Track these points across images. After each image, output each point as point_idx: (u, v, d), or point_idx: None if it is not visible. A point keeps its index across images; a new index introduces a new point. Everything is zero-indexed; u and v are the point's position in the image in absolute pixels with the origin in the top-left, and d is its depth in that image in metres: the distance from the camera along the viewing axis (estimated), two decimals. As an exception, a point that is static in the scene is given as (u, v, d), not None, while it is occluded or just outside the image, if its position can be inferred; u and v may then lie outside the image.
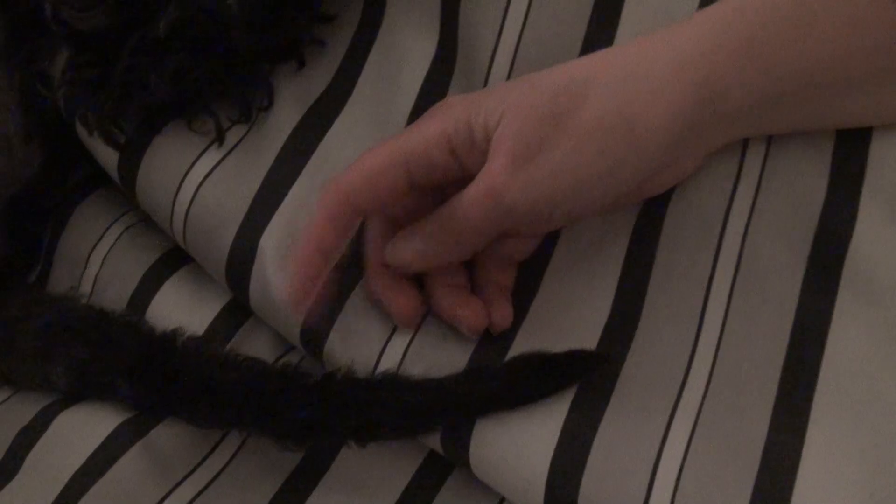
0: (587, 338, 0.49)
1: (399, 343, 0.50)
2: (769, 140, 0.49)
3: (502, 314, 0.50)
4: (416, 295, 0.50)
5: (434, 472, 0.51)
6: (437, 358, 0.50)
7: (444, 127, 0.46)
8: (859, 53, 0.45)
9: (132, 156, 0.56)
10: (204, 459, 0.52)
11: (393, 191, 0.47)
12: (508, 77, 0.52)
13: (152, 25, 0.50)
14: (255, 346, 0.55)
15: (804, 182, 0.48)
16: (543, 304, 0.51)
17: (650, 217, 0.50)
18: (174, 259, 0.59)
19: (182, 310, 0.57)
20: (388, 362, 0.50)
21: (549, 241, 0.51)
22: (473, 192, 0.45)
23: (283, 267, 0.52)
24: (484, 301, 0.50)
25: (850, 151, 0.48)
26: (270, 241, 0.53)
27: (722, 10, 0.46)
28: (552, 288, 0.51)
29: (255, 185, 0.54)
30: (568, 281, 0.51)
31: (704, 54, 0.45)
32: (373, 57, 0.56)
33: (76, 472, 0.50)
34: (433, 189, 0.49)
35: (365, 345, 0.51)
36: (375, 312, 0.51)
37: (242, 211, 0.54)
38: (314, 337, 0.52)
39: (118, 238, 0.59)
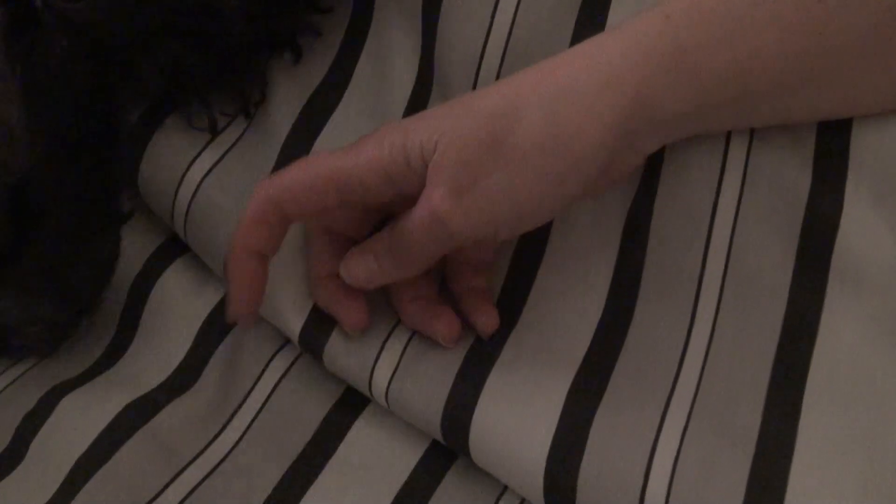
0: (582, 333, 0.49)
1: (397, 344, 0.51)
2: (751, 133, 0.48)
3: (486, 320, 0.50)
4: (363, 303, 0.51)
5: (438, 460, 0.51)
6: (435, 358, 0.50)
7: (380, 154, 0.46)
8: (790, 58, 0.45)
9: (133, 150, 0.56)
10: (209, 444, 0.53)
11: (320, 206, 0.48)
12: (501, 63, 0.51)
13: (144, 16, 0.50)
14: (254, 338, 0.56)
15: (788, 174, 0.48)
16: (537, 302, 0.51)
17: (639, 214, 0.50)
18: (177, 244, 0.59)
19: (184, 295, 0.57)
20: (386, 363, 0.51)
21: (541, 240, 0.51)
22: (417, 217, 0.45)
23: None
24: (466, 309, 0.51)
25: (831, 141, 0.47)
26: None
27: (650, 18, 0.45)
28: (545, 285, 0.51)
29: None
30: (561, 278, 0.51)
31: (634, 66, 0.44)
32: (368, 47, 0.56)
33: (80, 458, 0.51)
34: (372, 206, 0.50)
35: (363, 346, 0.51)
36: (373, 314, 0.52)
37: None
38: (313, 338, 0.52)
39: (124, 221, 0.60)
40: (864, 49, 0.45)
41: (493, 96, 0.46)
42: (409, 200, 0.47)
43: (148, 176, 0.57)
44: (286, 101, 0.56)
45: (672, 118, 0.46)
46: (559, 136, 0.44)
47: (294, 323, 0.53)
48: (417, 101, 0.54)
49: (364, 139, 0.48)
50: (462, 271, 0.51)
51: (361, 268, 0.49)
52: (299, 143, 0.55)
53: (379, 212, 0.52)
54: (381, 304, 0.52)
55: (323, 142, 0.55)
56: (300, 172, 0.48)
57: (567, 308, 0.50)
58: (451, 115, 0.46)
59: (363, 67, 0.56)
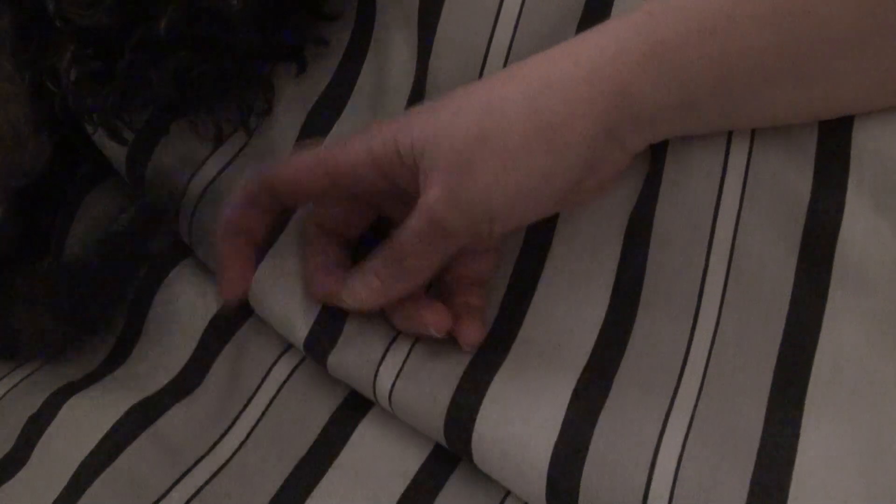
0: (584, 336, 0.49)
1: (401, 347, 0.51)
2: (752, 136, 0.49)
3: (470, 331, 0.50)
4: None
5: (441, 464, 0.51)
6: (439, 362, 0.50)
7: (372, 147, 0.47)
8: (770, 51, 0.45)
9: (139, 156, 0.57)
10: (213, 446, 0.53)
11: (311, 191, 0.49)
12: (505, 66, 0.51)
13: (154, 23, 0.50)
14: (258, 342, 0.56)
15: (789, 176, 0.48)
16: (540, 306, 0.51)
17: (640, 217, 0.50)
18: (181, 247, 0.59)
19: (188, 297, 0.57)
20: (390, 366, 0.51)
21: (544, 244, 0.52)
22: (415, 223, 0.46)
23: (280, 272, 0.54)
24: (456, 322, 0.51)
25: (832, 143, 0.47)
26: (275, 254, 0.54)
27: (633, 15, 0.46)
28: (548, 289, 0.51)
29: None
30: (563, 282, 0.51)
31: (613, 60, 0.45)
32: (371, 54, 0.56)
33: (85, 459, 0.51)
34: (366, 200, 0.51)
35: (367, 349, 0.51)
36: (376, 321, 0.52)
37: None
38: (317, 343, 0.52)
39: (127, 227, 0.60)
40: (847, 41, 0.45)
41: (480, 93, 0.46)
42: (402, 198, 0.48)
43: (153, 181, 0.57)
44: (291, 109, 0.56)
45: (655, 112, 0.46)
46: (543, 129, 0.45)
47: (299, 329, 0.53)
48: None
49: (358, 135, 0.49)
50: (459, 286, 0.52)
51: (364, 288, 0.50)
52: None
53: (373, 209, 0.53)
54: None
55: None
56: (299, 160, 0.49)
57: (569, 312, 0.50)
58: (441, 113, 0.46)
59: (366, 75, 0.56)
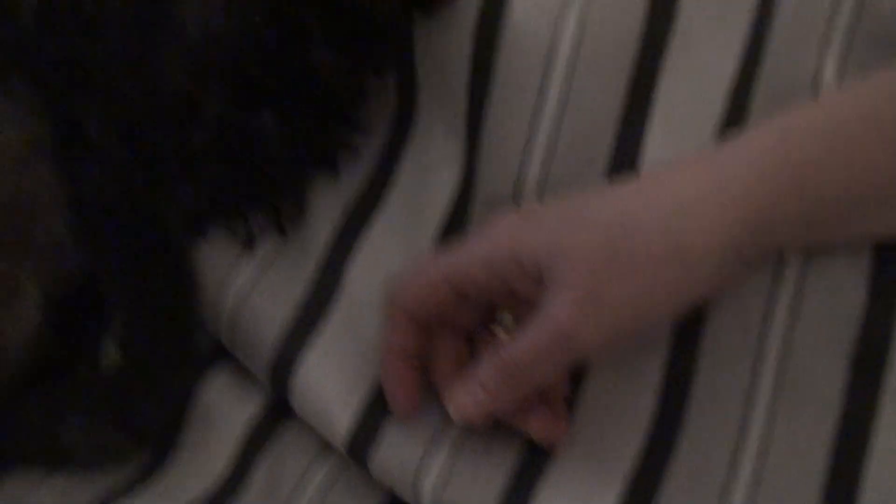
0: (630, 443, 0.49)
1: (441, 451, 0.51)
2: (806, 249, 0.49)
3: (556, 430, 0.50)
4: (416, 395, 0.51)
5: None
6: (485, 460, 0.50)
7: (490, 254, 0.48)
8: None
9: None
10: None
11: (443, 303, 0.50)
12: (542, 184, 0.52)
13: (188, 137, 0.51)
14: (297, 444, 0.56)
15: (843, 291, 0.48)
16: (590, 400, 0.51)
17: (689, 321, 0.50)
18: (220, 349, 0.59)
19: (227, 397, 0.57)
20: (432, 473, 0.50)
21: None
22: (536, 335, 0.46)
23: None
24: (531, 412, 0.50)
25: (887, 259, 0.48)
26: (316, 349, 0.54)
27: (765, 135, 0.47)
28: (593, 393, 0.51)
29: (301, 291, 0.55)
30: (610, 387, 0.51)
31: (751, 187, 0.46)
32: (408, 153, 0.57)
33: None
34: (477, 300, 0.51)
35: (406, 456, 0.51)
36: (416, 427, 0.52)
37: (286, 322, 0.55)
38: (358, 446, 0.52)
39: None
40: None
41: (608, 209, 0.47)
42: (513, 296, 0.48)
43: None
44: (326, 209, 0.57)
45: (783, 231, 0.47)
46: (677, 248, 0.46)
47: (340, 422, 0.53)
48: (458, 208, 0.55)
49: (474, 238, 0.50)
50: None
51: (469, 399, 0.49)
52: (338, 253, 0.56)
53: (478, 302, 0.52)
54: (428, 403, 0.52)
55: (361, 252, 0.56)
56: (418, 277, 0.50)
57: (618, 409, 0.50)
58: (568, 227, 0.47)
59: (403, 174, 0.56)
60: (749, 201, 0.46)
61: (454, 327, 0.52)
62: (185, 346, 0.56)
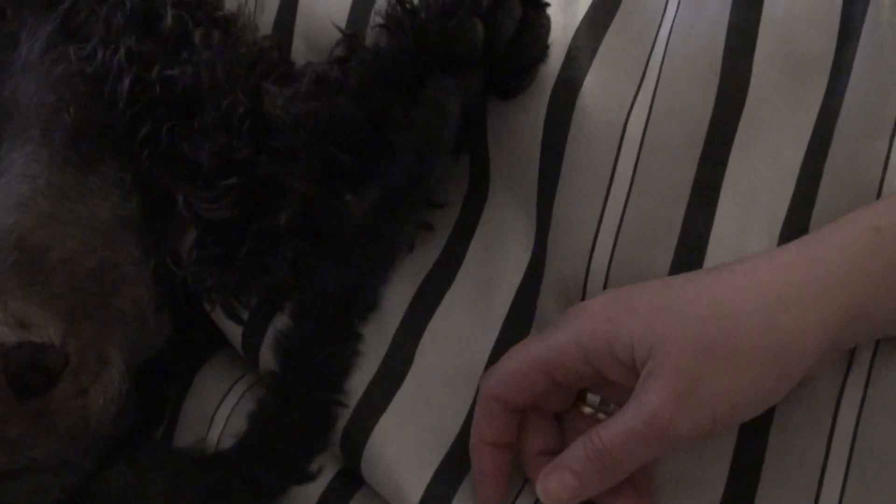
0: None
1: None
2: None
3: None
4: (506, 485, 0.52)
5: None
6: None
7: (580, 340, 0.49)
8: None
9: (254, 332, 0.59)
10: None
11: (535, 389, 0.50)
12: (611, 266, 0.53)
13: (273, 216, 0.53)
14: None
15: None
16: (658, 486, 0.51)
17: None
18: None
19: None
20: None
21: None
22: (632, 424, 0.47)
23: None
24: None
25: None
26: (388, 421, 0.55)
27: (859, 230, 0.47)
28: (666, 467, 0.51)
29: (375, 366, 0.57)
30: (680, 461, 0.51)
31: (847, 279, 0.46)
32: (480, 232, 0.58)
33: None
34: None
35: None
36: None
37: (359, 394, 0.56)
38: None
39: (240, 398, 0.61)
40: None
41: (704, 300, 0.47)
42: (604, 380, 0.49)
43: (268, 357, 0.59)
44: (399, 286, 0.58)
45: (878, 324, 0.47)
46: (777, 341, 0.46)
47: (411, 492, 0.53)
48: (528, 288, 0.56)
49: (564, 323, 0.50)
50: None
51: (559, 486, 0.49)
52: (411, 329, 0.57)
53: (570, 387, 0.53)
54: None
55: (432, 328, 0.57)
56: (511, 363, 0.51)
57: (686, 495, 0.51)
58: (662, 318, 0.48)
59: (474, 253, 0.58)
60: (846, 292, 0.46)
61: (543, 409, 0.53)
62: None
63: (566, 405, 0.53)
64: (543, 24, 0.54)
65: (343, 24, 0.58)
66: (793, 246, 0.49)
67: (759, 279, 0.47)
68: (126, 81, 0.54)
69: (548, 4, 0.55)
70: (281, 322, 0.56)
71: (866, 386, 0.49)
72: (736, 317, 0.46)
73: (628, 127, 0.53)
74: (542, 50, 0.54)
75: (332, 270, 0.52)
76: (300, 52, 0.59)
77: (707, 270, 0.50)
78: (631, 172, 0.53)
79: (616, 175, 0.53)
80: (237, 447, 0.53)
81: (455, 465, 0.54)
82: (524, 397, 0.51)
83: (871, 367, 0.49)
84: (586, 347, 0.49)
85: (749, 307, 0.46)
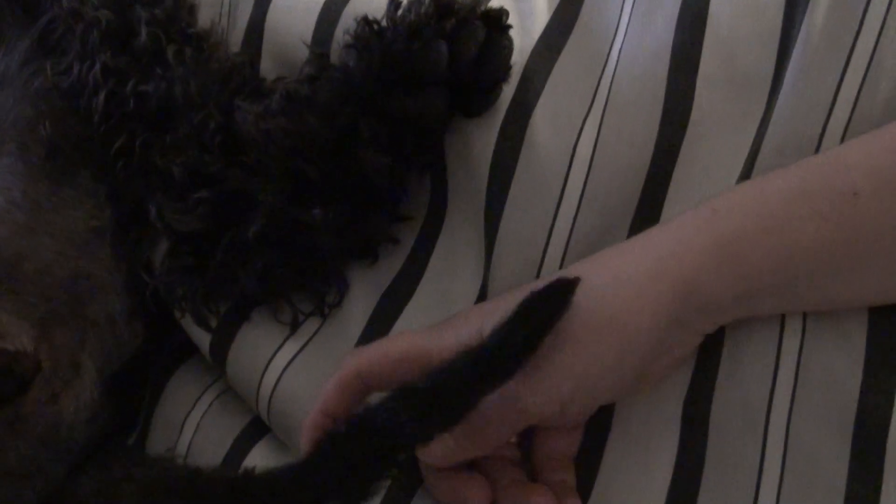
0: None
1: None
2: (803, 330, 0.51)
3: None
4: (483, 479, 0.53)
5: None
6: None
7: (461, 337, 0.50)
8: (827, 247, 0.48)
9: (222, 340, 0.60)
10: None
11: (402, 379, 0.51)
12: (562, 264, 0.55)
13: (243, 228, 0.55)
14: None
15: (839, 370, 0.50)
16: (602, 493, 0.53)
17: (698, 404, 0.52)
18: (262, 424, 0.62)
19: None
20: None
21: (602, 428, 0.54)
22: (490, 397, 0.49)
23: None
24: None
25: (881, 336, 0.49)
26: None
27: (698, 212, 0.49)
28: (609, 475, 0.53)
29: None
30: (624, 468, 0.53)
31: (679, 257, 0.48)
32: (440, 245, 0.59)
33: None
34: None
35: None
36: None
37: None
38: None
39: (210, 405, 0.63)
40: None
41: None
42: None
43: (235, 363, 0.60)
44: (362, 295, 0.59)
45: (719, 303, 0.49)
46: (611, 321, 0.48)
47: None
48: (483, 299, 0.57)
49: (448, 321, 0.52)
50: (549, 463, 0.54)
51: (438, 445, 0.51)
52: (374, 335, 0.58)
53: None
54: None
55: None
56: (386, 348, 0.53)
57: (632, 499, 0.52)
58: (519, 300, 0.49)
59: (434, 264, 0.59)
60: (675, 270, 0.48)
61: None
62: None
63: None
64: (506, 45, 0.56)
65: (308, 42, 0.59)
66: (640, 234, 0.51)
67: (596, 265, 0.50)
68: (101, 96, 0.55)
69: (510, 27, 0.56)
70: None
71: (794, 386, 0.50)
72: (577, 296, 0.48)
73: (578, 148, 0.55)
74: (505, 70, 0.56)
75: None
76: (268, 69, 0.61)
77: (587, 259, 0.52)
78: (580, 192, 0.54)
79: (565, 194, 0.55)
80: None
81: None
82: (387, 384, 0.52)
83: (798, 364, 0.50)
84: (466, 342, 0.49)
85: (585, 290, 0.48)
